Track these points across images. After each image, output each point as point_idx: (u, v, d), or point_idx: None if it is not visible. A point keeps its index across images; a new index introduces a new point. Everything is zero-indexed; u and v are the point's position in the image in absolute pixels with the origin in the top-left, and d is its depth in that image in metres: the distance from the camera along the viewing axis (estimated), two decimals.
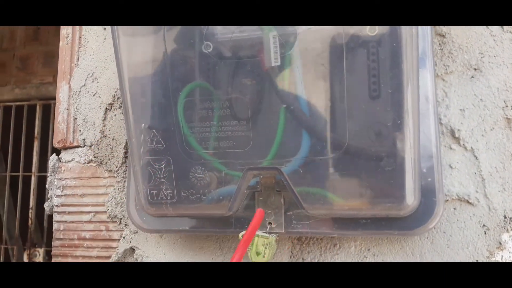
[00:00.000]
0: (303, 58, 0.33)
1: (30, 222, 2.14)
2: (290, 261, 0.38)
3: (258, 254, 0.34)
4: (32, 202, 2.13)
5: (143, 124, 0.35)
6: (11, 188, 2.27)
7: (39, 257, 2.18)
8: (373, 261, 0.36)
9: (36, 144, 2.13)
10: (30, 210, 2.15)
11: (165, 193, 0.35)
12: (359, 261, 0.36)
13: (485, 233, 0.34)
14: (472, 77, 0.35)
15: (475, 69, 0.35)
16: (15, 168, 2.20)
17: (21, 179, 2.20)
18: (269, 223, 0.35)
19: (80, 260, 0.43)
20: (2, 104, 2.23)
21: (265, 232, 0.35)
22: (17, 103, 2.21)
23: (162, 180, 0.35)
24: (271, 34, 0.33)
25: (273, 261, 0.38)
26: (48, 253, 2.20)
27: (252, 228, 0.31)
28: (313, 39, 0.33)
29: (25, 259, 2.17)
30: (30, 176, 2.14)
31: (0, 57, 2.40)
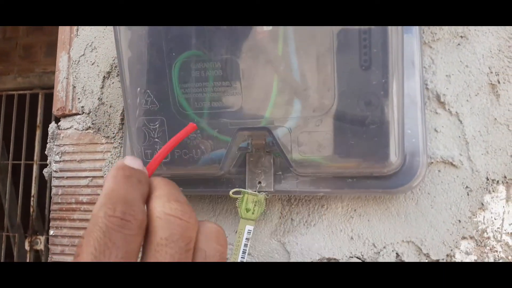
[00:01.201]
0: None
1: (31, 210, 2.17)
2: (280, 221, 0.39)
3: (247, 210, 0.35)
4: (33, 190, 2.15)
5: (139, 88, 0.37)
6: (13, 176, 2.29)
7: (41, 245, 2.20)
8: (359, 221, 0.37)
9: (38, 133, 2.15)
10: (32, 198, 2.17)
11: None
12: (346, 220, 0.37)
13: (468, 195, 0.35)
14: (459, 44, 0.36)
15: (461, 36, 0.36)
16: (17, 156, 2.22)
17: (23, 167, 2.22)
18: (259, 182, 0.36)
19: (77, 223, 0.44)
20: (4, 93, 2.25)
21: (255, 191, 0.36)
22: (20, 92, 2.23)
23: (156, 140, 0.36)
24: None
25: (263, 216, 0.39)
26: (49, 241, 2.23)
27: (178, 135, 0.30)
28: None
29: (27, 247, 2.20)
30: (32, 165, 2.16)
31: (3, 46, 2.41)
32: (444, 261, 0.36)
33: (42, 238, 2.20)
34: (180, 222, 0.22)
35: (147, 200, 0.23)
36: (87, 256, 0.20)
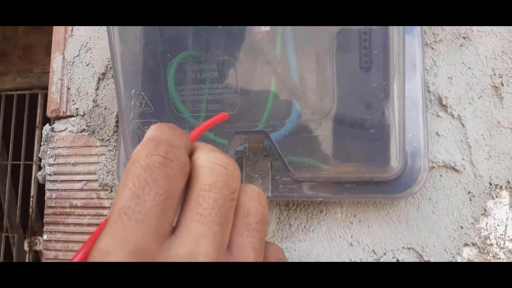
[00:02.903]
0: (295, 26, 0.34)
1: (31, 210, 2.16)
2: (277, 226, 0.38)
3: None
4: (33, 191, 2.15)
5: (133, 90, 0.36)
6: (12, 177, 2.28)
7: (40, 246, 2.20)
8: (358, 226, 0.36)
9: (37, 133, 2.15)
10: (31, 199, 2.17)
11: None
12: (345, 226, 0.36)
13: (470, 200, 0.35)
14: (461, 45, 0.36)
15: (464, 37, 0.36)
16: (16, 156, 2.21)
17: (23, 168, 2.22)
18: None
19: (71, 227, 0.43)
20: (4, 93, 2.25)
21: None
22: (19, 92, 2.22)
23: None
24: None
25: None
26: None
27: (211, 120, 0.30)
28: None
29: (26, 247, 2.19)
30: (31, 165, 2.16)
31: (3, 46, 2.41)
32: None
33: (41, 239, 2.19)
34: (224, 171, 0.22)
35: (190, 155, 0.22)
36: (125, 192, 0.19)
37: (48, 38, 2.34)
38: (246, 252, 0.22)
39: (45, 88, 2.20)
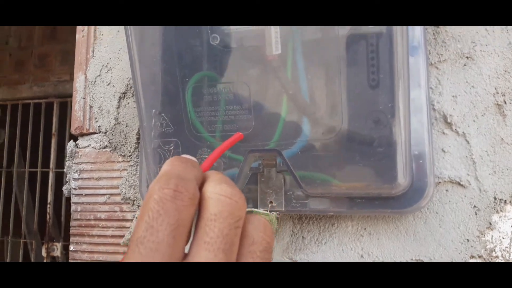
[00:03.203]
0: (304, 47, 0.36)
1: (48, 217, 2.21)
2: (291, 239, 0.40)
3: None
4: (50, 198, 2.20)
5: (153, 110, 0.38)
6: (29, 184, 2.34)
7: (57, 251, 2.24)
8: (368, 239, 0.38)
9: (53, 141, 2.19)
10: (48, 205, 2.21)
11: None
12: (356, 239, 0.38)
13: (476, 214, 0.36)
14: (465, 65, 0.37)
15: (467, 57, 0.37)
16: (33, 164, 2.26)
17: (40, 175, 2.27)
18: (270, 202, 0.37)
19: (96, 239, 0.46)
20: (20, 102, 2.30)
21: (266, 210, 0.37)
22: (35, 101, 2.27)
23: None
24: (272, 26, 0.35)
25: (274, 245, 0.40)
26: (65, 248, 2.26)
27: (225, 143, 0.33)
28: (314, 29, 0.35)
29: (43, 253, 2.24)
30: (48, 172, 2.20)
31: (19, 55, 2.47)
32: None
33: (58, 245, 2.23)
34: (229, 201, 0.23)
35: (200, 186, 0.25)
36: (141, 224, 0.22)
37: (63, 47, 2.40)
38: None
39: (61, 96, 2.25)
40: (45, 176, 2.23)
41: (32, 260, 2.31)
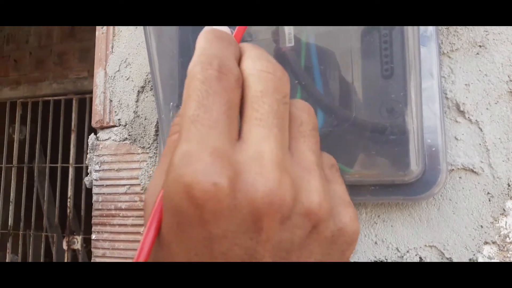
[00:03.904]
0: (317, 39, 0.36)
1: (68, 211, 2.26)
2: None
3: None
4: (70, 192, 2.25)
5: (171, 103, 0.39)
6: (50, 179, 2.40)
7: (77, 244, 2.30)
8: (382, 226, 0.39)
9: (73, 137, 2.25)
10: (69, 200, 2.27)
11: None
12: (370, 226, 0.39)
13: (489, 200, 0.36)
14: (477, 53, 0.37)
15: (480, 46, 0.37)
16: (54, 159, 2.32)
17: (60, 170, 2.32)
18: None
19: (117, 228, 0.48)
20: (41, 99, 2.36)
21: None
22: (55, 98, 2.33)
23: None
24: None
25: None
26: (86, 241, 2.32)
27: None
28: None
29: (64, 246, 2.30)
30: (68, 167, 2.26)
31: (39, 53, 2.53)
32: None
33: (79, 238, 2.29)
34: (273, 77, 0.22)
35: (239, 62, 0.23)
36: (191, 103, 0.21)
37: (81, 45, 2.44)
38: (306, 154, 0.23)
39: (80, 93, 2.30)
40: (65, 171, 2.29)
41: (54, 253, 2.38)
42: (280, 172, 0.20)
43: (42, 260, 2.36)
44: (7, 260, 2.41)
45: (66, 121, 2.27)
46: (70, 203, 2.27)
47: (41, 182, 2.50)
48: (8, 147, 2.43)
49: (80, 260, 2.29)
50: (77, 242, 2.31)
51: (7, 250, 2.42)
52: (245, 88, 0.22)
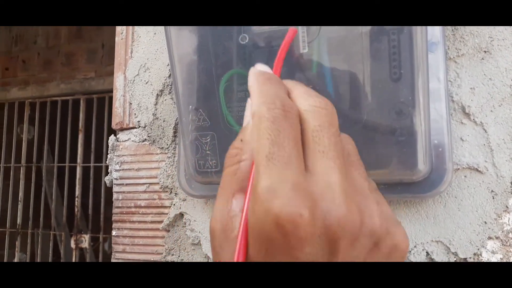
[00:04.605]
0: (329, 45, 0.38)
1: (76, 210, 2.29)
2: None
3: None
4: (77, 191, 2.28)
5: (190, 106, 0.42)
6: (58, 178, 2.43)
7: (85, 243, 2.33)
8: None
9: (80, 136, 2.28)
10: (76, 199, 2.30)
11: (210, 163, 0.41)
12: None
13: (493, 198, 0.38)
14: (482, 59, 0.39)
15: (485, 51, 0.39)
16: (61, 159, 2.35)
17: (68, 170, 2.35)
18: None
19: (136, 225, 0.50)
20: (49, 99, 2.39)
21: None
22: (63, 98, 2.36)
23: (207, 152, 0.41)
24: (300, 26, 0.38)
25: None
26: (93, 239, 2.35)
27: (284, 45, 0.33)
28: (338, 27, 0.37)
29: (72, 245, 2.32)
30: (76, 167, 2.29)
31: (47, 54, 2.56)
32: (472, 259, 0.39)
33: (86, 237, 2.32)
34: (325, 112, 0.25)
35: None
36: (264, 142, 0.23)
37: (88, 46, 2.47)
38: (359, 181, 0.26)
39: (87, 93, 2.32)
40: (72, 170, 2.32)
41: (62, 251, 2.41)
42: (348, 199, 0.23)
43: (50, 258, 2.39)
44: (15, 258, 2.44)
45: (74, 121, 2.30)
46: (77, 202, 2.30)
47: (49, 182, 2.53)
48: (16, 147, 2.46)
49: (87, 258, 2.32)
50: (85, 240, 2.34)
51: (16, 249, 2.45)
52: (303, 123, 0.25)
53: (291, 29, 0.35)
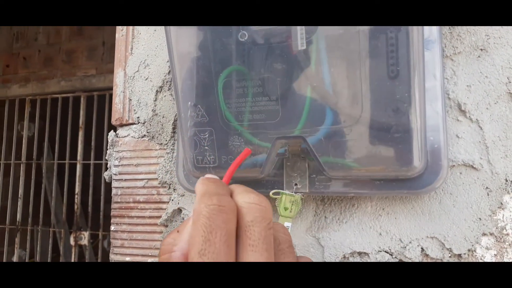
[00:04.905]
0: (327, 42, 0.39)
1: (76, 207, 2.30)
2: (314, 218, 0.43)
3: (285, 209, 0.40)
4: (77, 189, 2.29)
5: (189, 102, 0.42)
6: (58, 175, 2.43)
7: (84, 240, 2.34)
8: (386, 218, 0.41)
9: (80, 134, 2.28)
10: (76, 196, 2.30)
11: (209, 159, 0.41)
12: (375, 218, 0.41)
13: (488, 195, 0.39)
14: (479, 56, 0.40)
15: (481, 49, 0.40)
16: (61, 156, 2.35)
17: (68, 167, 2.35)
18: (295, 184, 0.41)
19: (135, 219, 0.50)
20: (49, 96, 2.39)
21: (292, 192, 0.41)
22: (63, 95, 2.36)
23: (206, 147, 0.41)
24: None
25: (298, 218, 0.44)
26: (92, 236, 2.36)
27: (237, 160, 0.38)
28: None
29: (72, 242, 2.33)
30: (76, 164, 2.29)
31: (48, 51, 2.56)
32: (466, 255, 0.39)
33: (86, 234, 2.33)
34: (260, 207, 0.28)
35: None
36: (198, 238, 0.26)
37: (89, 43, 2.47)
38: None
39: (88, 91, 2.33)
40: (72, 168, 2.32)
41: (61, 248, 2.41)
42: None
43: (49, 255, 2.39)
44: (15, 255, 2.45)
45: (74, 119, 2.30)
46: (77, 199, 2.31)
47: (49, 179, 2.54)
48: (17, 144, 2.46)
49: (87, 255, 2.33)
50: (84, 237, 2.34)
51: (15, 245, 2.45)
52: (239, 218, 0.28)
53: (246, 149, 0.39)
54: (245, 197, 0.29)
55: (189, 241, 0.27)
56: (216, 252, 0.26)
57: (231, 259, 0.26)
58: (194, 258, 0.26)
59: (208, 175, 0.32)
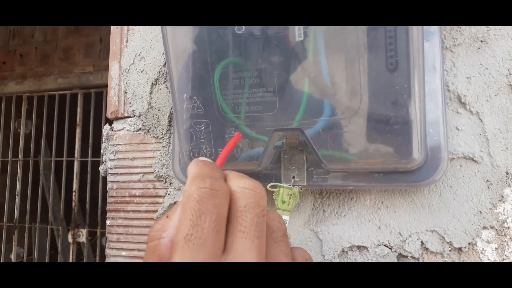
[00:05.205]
0: (325, 33, 0.38)
1: (73, 204, 2.29)
2: (313, 212, 0.43)
3: (283, 202, 0.39)
4: (75, 186, 2.28)
5: (185, 94, 0.41)
6: (55, 173, 2.42)
7: (82, 237, 2.33)
8: (386, 212, 0.41)
9: (78, 131, 2.27)
10: (74, 193, 2.29)
11: (205, 151, 0.41)
12: (373, 212, 0.41)
13: (488, 188, 0.38)
14: (479, 48, 0.39)
15: (481, 41, 0.39)
16: (59, 153, 2.34)
17: (65, 164, 2.34)
18: (293, 177, 0.40)
19: (130, 214, 0.50)
20: (46, 93, 2.38)
21: (290, 185, 0.40)
22: (60, 92, 2.35)
23: (202, 140, 0.41)
24: None
25: (296, 212, 0.43)
26: (90, 234, 2.35)
27: (228, 145, 0.36)
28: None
29: (70, 239, 2.32)
30: (73, 161, 2.28)
31: (45, 48, 2.54)
32: (467, 249, 0.39)
33: (84, 231, 2.32)
34: (254, 193, 0.27)
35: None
36: (186, 222, 0.25)
37: (86, 40, 2.46)
38: (278, 258, 0.28)
39: (85, 88, 2.32)
40: (70, 165, 2.31)
41: (59, 246, 2.41)
42: None
43: (47, 253, 2.38)
44: (13, 253, 2.44)
45: (71, 116, 2.29)
46: (75, 196, 2.30)
47: (46, 176, 2.52)
48: (14, 141, 2.45)
49: (85, 253, 2.32)
50: (82, 235, 2.34)
51: (13, 243, 2.45)
52: (232, 203, 0.27)
53: (236, 134, 0.37)
54: (239, 182, 0.27)
55: (177, 225, 0.25)
56: (203, 237, 0.24)
57: (218, 246, 0.25)
58: (180, 243, 0.24)
59: (202, 158, 0.31)
